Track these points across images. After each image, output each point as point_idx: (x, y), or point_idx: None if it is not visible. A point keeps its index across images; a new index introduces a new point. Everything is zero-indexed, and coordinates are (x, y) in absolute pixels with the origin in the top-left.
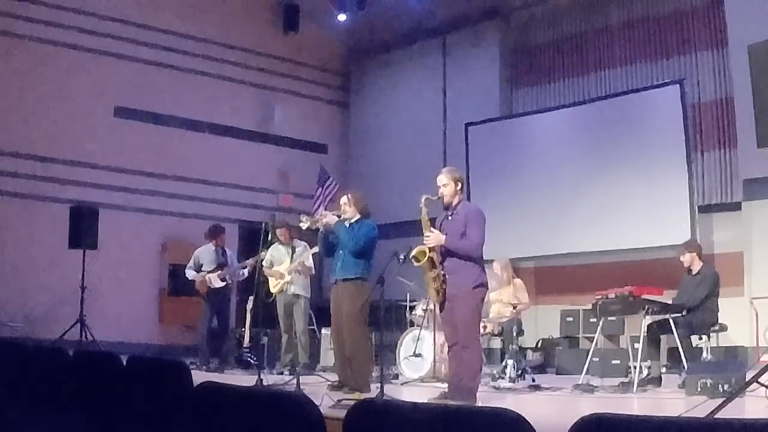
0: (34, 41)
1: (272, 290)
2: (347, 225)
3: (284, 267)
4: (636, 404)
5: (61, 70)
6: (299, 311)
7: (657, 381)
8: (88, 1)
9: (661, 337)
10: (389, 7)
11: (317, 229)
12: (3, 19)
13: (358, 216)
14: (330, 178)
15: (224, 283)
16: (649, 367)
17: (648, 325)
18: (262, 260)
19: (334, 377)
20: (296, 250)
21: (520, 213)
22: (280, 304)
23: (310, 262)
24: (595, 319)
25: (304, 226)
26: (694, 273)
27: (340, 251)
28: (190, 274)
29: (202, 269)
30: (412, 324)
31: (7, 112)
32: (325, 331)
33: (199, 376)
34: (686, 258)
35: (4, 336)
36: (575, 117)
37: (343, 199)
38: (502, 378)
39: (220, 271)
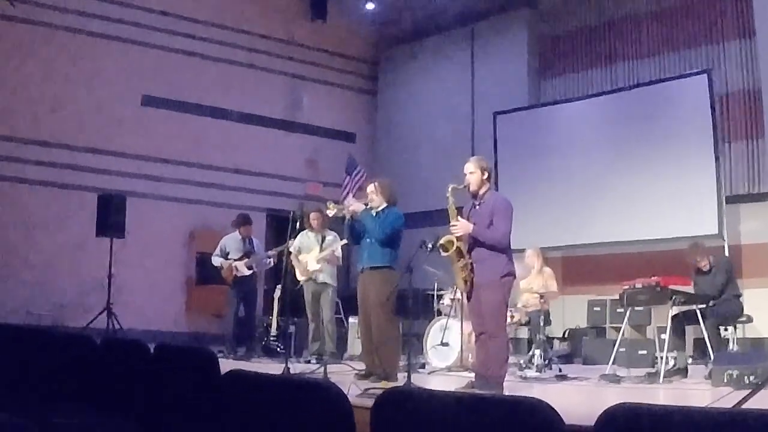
0: (61, 30)
1: (299, 278)
2: (374, 213)
3: (313, 255)
4: (662, 395)
5: (89, 59)
6: (326, 300)
7: (683, 372)
8: None
9: (686, 327)
10: None
11: (344, 217)
12: (30, 8)
13: (385, 204)
14: (358, 167)
15: (251, 272)
16: (675, 358)
17: (673, 316)
18: (290, 248)
19: (361, 366)
20: (326, 239)
21: (548, 202)
22: (308, 293)
23: (339, 253)
24: (621, 309)
25: (331, 213)
26: (706, 270)
27: (367, 240)
28: (216, 261)
29: (229, 257)
30: (439, 313)
31: (34, 102)
32: (352, 320)
33: (226, 365)
34: (704, 262)
35: (31, 324)
36: (603, 106)
37: (371, 187)
38: (529, 367)
39: (246, 260)
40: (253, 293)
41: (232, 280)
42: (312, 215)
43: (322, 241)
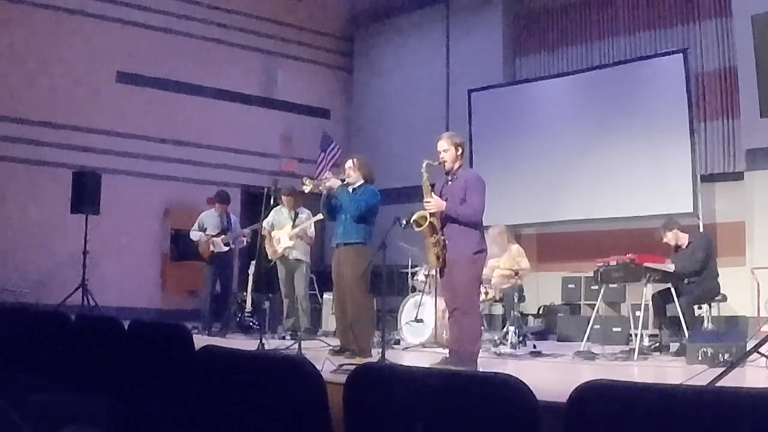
0: (35, 7)
1: (270, 256)
2: (350, 190)
3: (285, 231)
4: (636, 372)
5: (64, 36)
6: (300, 276)
7: (666, 349)
8: None
9: (666, 306)
10: None
11: (320, 193)
12: None
13: (361, 181)
14: (333, 143)
15: (227, 248)
16: (654, 335)
17: (652, 295)
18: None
19: (335, 342)
20: (299, 216)
21: (523, 179)
22: (282, 270)
23: (312, 231)
24: (596, 287)
25: (307, 189)
26: (684, 246)
27: (342, 216)
28: (195, 235)
29: (206, 233)
30: (413, 289)
31: (9, 78)
32: (326, 296)
33: (200, 341)
34: (669, 237)
35: (6, 301)
36: (578, 84)
37: (349, 163)
38: (504, 344)
39: (223, 236)
40: (229, 270)
41: (209, 256)
42: (285, 198)
43: (295, 217)
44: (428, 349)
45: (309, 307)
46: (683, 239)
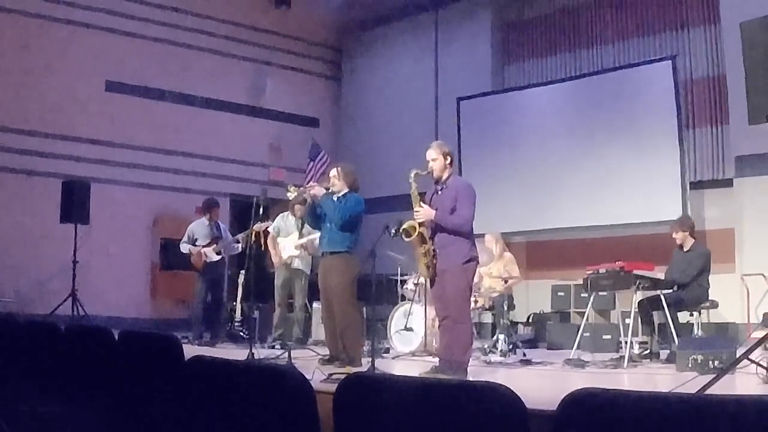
0: (25, 16)
1: (274, 260)
2: (335, 198)
3: (291, 239)
4: (626, 379)
5: (53, 45)
6: (299, 287)
7: (655, 356)
8: None
9: (653, 313)
10: None
11: (305, 201)
12: None
13: (346, 189)
14: (321, 152)
15: (220, 257)
16: (644, 343)
17: (639, 302)
18: (257, 230)
19: (325, 351)
20: (305, 226)
21: (512, 187)
22: (279, 278)
23: (317, 242)
24: (586, 294)
25: (291, 196)
26: (686, 250)
27: (327, 224)
28: (185, 248)
29: (197, 243)
30: (403, 298)
31: None
32: (316, 305)
33: (190, 350)
34: (679, 236)
35: None
36: (567, 92)
37: (333, 172)
38: (493, 352)
39: (215, 245)
40: (220, 279)
41: (201, 266)
42: (297, 207)
43: (302, 227)
44: (418, 357)
45: (303, 318)
46: (689, 244)
